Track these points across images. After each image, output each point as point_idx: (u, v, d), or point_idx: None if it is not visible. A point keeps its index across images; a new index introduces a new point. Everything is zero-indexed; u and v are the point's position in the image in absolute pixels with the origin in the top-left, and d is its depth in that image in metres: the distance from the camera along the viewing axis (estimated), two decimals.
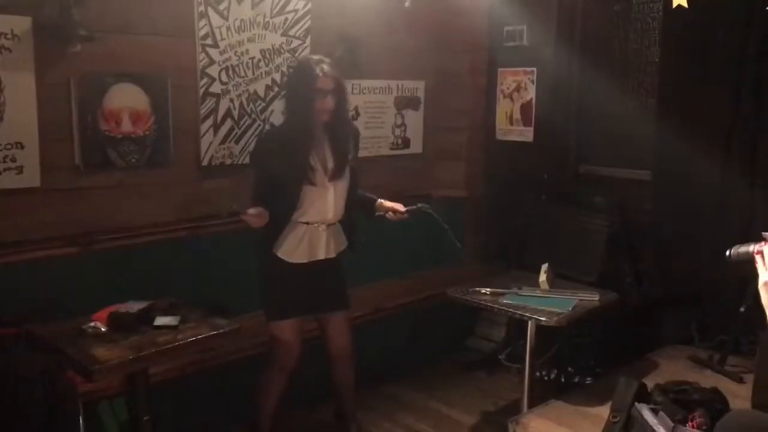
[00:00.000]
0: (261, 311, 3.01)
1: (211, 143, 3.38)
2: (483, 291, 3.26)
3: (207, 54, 3.29)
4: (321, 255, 2.91)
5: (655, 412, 2.47)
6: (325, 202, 2.87)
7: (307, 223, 2.87)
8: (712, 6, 3.38)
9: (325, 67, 2.78)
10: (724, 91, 3.48)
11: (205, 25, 3.26)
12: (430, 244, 4.28)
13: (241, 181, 3.50)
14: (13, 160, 2.77)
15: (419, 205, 3.05)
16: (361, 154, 3.27)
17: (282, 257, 2.88)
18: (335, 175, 2.87)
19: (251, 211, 2.71)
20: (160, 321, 2.54)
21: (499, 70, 4.40)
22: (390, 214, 3.05)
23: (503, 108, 4.42)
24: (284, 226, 2.85)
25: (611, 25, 4.06)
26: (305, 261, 2.89)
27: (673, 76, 3.71)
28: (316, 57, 2.86)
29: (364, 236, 3.10)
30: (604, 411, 2.62)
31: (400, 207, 3.05)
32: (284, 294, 2.92)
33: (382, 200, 3.09)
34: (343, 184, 2.92)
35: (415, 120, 4.34)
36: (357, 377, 3.18)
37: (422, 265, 4.25)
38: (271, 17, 3.50)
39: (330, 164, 2.87)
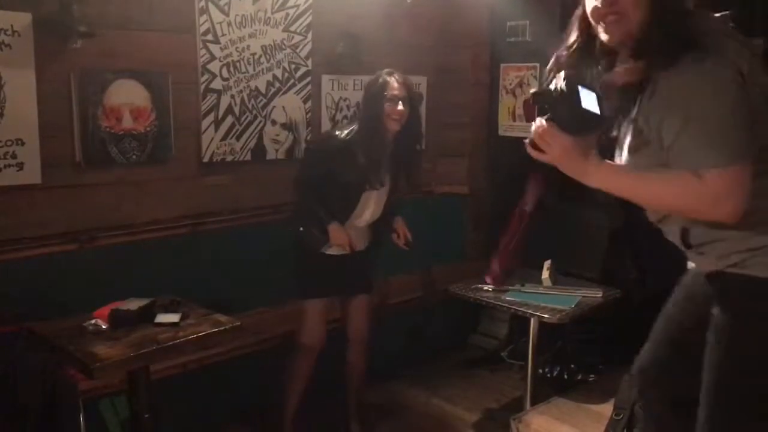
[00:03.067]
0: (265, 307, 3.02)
1: (212, 140, 3.37)
2: (485, 288, 3.26)
3: (208, 50, 3.28)
4: (359, 248, 3.09)
5: None
6: (368, 207, 3.05)
7: (352, 226, 3.05)
8: (714, 4, 3.36)
9: (397, 75, 2.93)
10: None
11: (206, 20, 3.25)
12: (430, 241, 4.28)
13: (243, 177, 3.50)
14: (14, 156, 2.76)
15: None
16: None
17: (322, 251, 3.03)
18: (385, 184, 3.06)
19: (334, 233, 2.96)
20: (161, 318, 2.54)
21: (502, 65, 4.38)
22: (395, 236, 3.21)
23: (505, 104, 4.40)
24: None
25: None
26: (340, 253, 3.03)
27: None
28: (388, 69, 3.00)
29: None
30: (607, 408, 2.60)
31: (408, 236, 3.20)
32: (318, 277, 3.07)
33: (400, 219, 3.23)
34: (385, 191, 3.10)
35: None
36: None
37: (424, 261, 4.24)
38: (273, 13, 3.48)
39: (388, 176, 3.06)
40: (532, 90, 1.68)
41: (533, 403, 3.11)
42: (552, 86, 1.58)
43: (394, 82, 2.91)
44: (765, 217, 1.58)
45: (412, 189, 3.28)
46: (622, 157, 1.68)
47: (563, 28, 4.15)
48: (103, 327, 2.45)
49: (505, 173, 4.44)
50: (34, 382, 2.40)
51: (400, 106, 2.90)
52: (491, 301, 3.19)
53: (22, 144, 2.77)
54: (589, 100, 1.54)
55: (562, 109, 1.55)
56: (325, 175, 2.98)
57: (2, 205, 2.76)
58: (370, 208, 3.09)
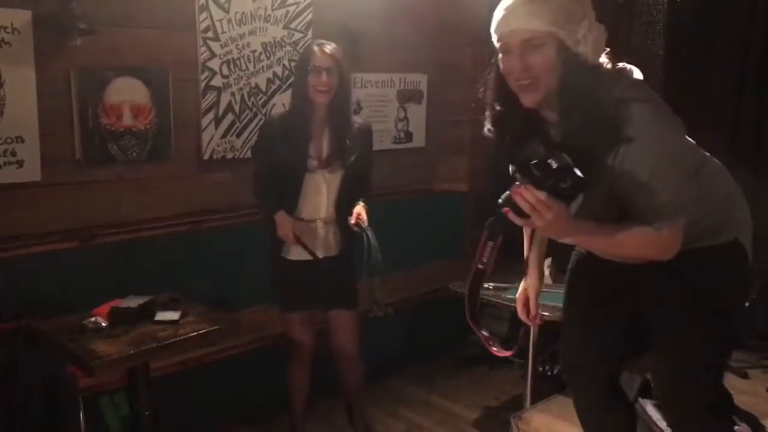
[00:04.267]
0: (264, 305, 3.00)
1: (212, 137, 3.36)
2: (485, 285, 3.25)
3: (208, 47, 3.27)
4: (319, 254, 2.85)
5: (658, 407, 2.46)
6: (318, 194, 2.82)
7: (303, 220, 2.83)
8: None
9: (327, 47, 2.74)
10: (728, 84, 3.46)
11: (206, 18, 3.24)
12: (431, 238, 4.28)
13: (243, 175, 3.49)
14: (14, 154, 2.76)
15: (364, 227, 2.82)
16: None
17: (283, 255, 2.87)
18: (327, 164, 2.80)
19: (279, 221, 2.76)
20: (160, 316, 2.54)
21: None
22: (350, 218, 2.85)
23: None
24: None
25: (615, 17, 4.03)
26: (299, 259, 2.85)
27: (677, 70, 3.69)
28: (318, 40, 2.82)
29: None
30: None
31: (362, 217, 2.81)
32: (287, 288, 2.92)
33: (361, 204, 2.88)
34: (336, 178, 2.83)
35: (417, 114, 4.32)
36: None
37: (423, 259, 4.24)
38: (273, 10, 3.48)
39: (325, 152, 2.80)
40: (524, 154, 1.64)
41: (533, 401, 3.10)
42: (544, 156, 1.57)
43: (318, 51, 2.72)
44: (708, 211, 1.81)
45: (363, 184, 2.93)
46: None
47: None
48: (103, 324, 2.45)
49: (504, 171, 4.43)
50: (34, 379, 2.40)
51: (324, 77, 2.70)
52: (492, 299, 3.18)
53: (22, 141, 2.77)
54: (571, 164, 1.56)
55: (549, 173, 1.55)
56: (269, 159, 2.85)
57: (2, 203, 2.77)
58: (319, 195, 2.83)
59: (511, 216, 1.63)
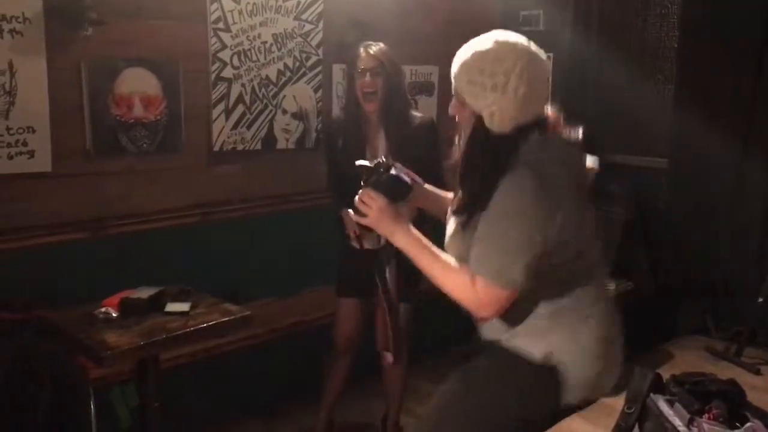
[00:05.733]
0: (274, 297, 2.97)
1: (222, 128, 3.35)
2: None
3: (219, 38, 3.26)
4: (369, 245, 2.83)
5: (670, 403, 2.44)
6: None
7: None
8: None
9: (372, 48, 2.72)
10: (743, 77, 3.42)
11: (217, 8, 3.23)
12: (440, 234, 4.26)
13: (253, 166, 3.49)
14: (25, 144, 2.76)
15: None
16: None
17: (348, 243, 2.85)
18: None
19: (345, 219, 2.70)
20: (171, 307, 2.53)
21: None
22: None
23: None
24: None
25: (629, 10, 4.00)
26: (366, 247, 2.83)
27: (691, 62, 3.66)
28: (366, 42, 2.80)
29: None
30: (618, 401, 2.59)
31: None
32: (345, 273, 2.96)
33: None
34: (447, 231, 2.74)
35: (429, 106, 4.29)
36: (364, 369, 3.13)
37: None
38: (284, 1, 3.46)
39: (380, 154, 2.70)
40: (358, 162, 1.96)
41: None
42: (375, 161, 1.91)
43: (363, 53, 2.71)
44: (536, 311, 1.80)
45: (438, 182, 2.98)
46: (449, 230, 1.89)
47: (577, 18, 4.18)
48: (113, 315, 2.45)
49: None
50: (44, 370, 2.41)
51: (368, 78, 2.69)
52: None
53: (33, 132, 2.77)
54: (401, 175, 1.89)
55: (379, 179, 1.87)
56: (330, 159, 2.91)
57: (13, 193, 2.77)
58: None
59: (355, 218, 1.90)
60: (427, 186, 2.07)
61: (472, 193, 1.76)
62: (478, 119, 1.73)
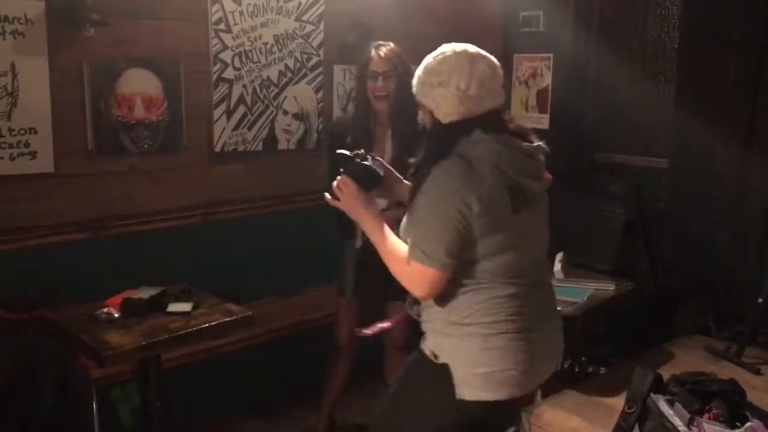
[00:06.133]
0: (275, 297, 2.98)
1: (224, 129, 3.36)
2: None
3: (220, 39, 3.27)
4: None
5: (671, 403, 2.44)
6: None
7: None
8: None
9: (383, 49, 2.70)
10: (744, 77, 3.42)
11: (218, 9, 3.24)
12: None
13: (254, 167, 3.50)
14: (27, 145, 2.77)
15: None
16: None
17: (348, 242, 2.88)
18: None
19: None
20: (172, 307, 2.55)
21: (515, 56, 4.34)
22: None
23: (519, 94, 4.37)
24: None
25: (630, 10, 4.00)
26: (362, 248, 2.83)
27: (692, 63, 3.65)
28: (381, 42, 2.77)
29: None
30: (618, 401, 2.59)
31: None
32: (346, 273, 2.95)
33: None
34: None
35: None
36: (363, 367, 3.15)
37: None
38: (285, 2, 3.47)
39: (388, 155, 2.71)
40: (339, 150, 2.16)
41: (544, 395, 3.09)
42: (353, 152, 2.12)
43: (375, 55, 2.69)
44: (459, 319, 1.95)
45: None
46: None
47: (578, 19, 4.19)
48: (115, 315, 2.46)
49: None
50: (46, 370, 2.42)
51: (380, 82, 2.68)
52: None
53: (35, 133, 2.78)
54: (374, 167, 2.11)
55: (354, 168, 2.07)
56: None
57: (15, 194, 2.78)
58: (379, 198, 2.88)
59: (331, 202, 2.10)
60: (406, 181, 2.18)
61: (416, 181, 1.94)
62: (431, 115, 1.96)
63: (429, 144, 1.96)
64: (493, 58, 1.97)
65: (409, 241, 1.94)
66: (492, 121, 1.92)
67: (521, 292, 1.95)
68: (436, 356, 1.99)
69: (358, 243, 2.85)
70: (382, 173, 2.13)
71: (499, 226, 1.87)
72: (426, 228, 1.88)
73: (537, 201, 1.97)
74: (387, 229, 2.03)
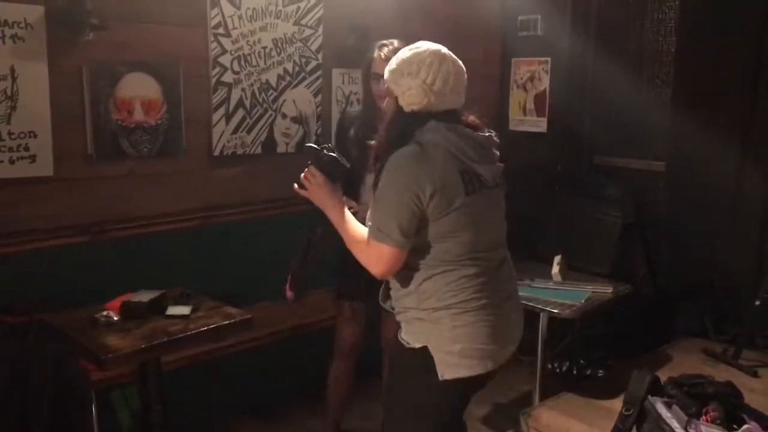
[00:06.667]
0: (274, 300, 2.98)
1: (222, 133, 3.37)
2: None
3: (219, 43, 3.28)
4: None
5: (668, 405, 2.45)
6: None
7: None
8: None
9: (384, 50, 2.67)
10: (741, 80, 3.44)
11: (218, 14, 3.25)
12: None
13: (253, 170, 3.50)
14: (26, 148, 2.77)
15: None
16: None
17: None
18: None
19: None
20: (172, 310, 2.55)
21: (513, 59, 4.36)
22: None
23: (516, 98, 4.39)
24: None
25: (627, 14, 4.02)
26: None
27: (689, 66, 3.67)
28: (386, 40, 2.74)
29: None
30: (616, 404, 2.61)
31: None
32: (343, 275, 2.92)
33: None
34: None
35: None
36: (363, 371, 3.12)
37: None
38: (284, 6, 3.48)
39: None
40: (308, 143, 2.39)
41: (542, 397, 3.10)
42: (322, 145, 2.22)
43: (377, 58, 2.66)
44: (430, 304, 2.06)
45: None
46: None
47: (575, 23, 4.22)
48: (115, 318, 2.47)
49: (515, 168, 4.43)
50: (46, 373, 2.42)
51: (383, 85, 2.64)
52: None
53: (35, 136, 2.79)
54: (341, 159, 2.20)
55: (322, 159, 2.17)
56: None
57: (15, 197, 2.78)
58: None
59: (295, 188, 2.21)
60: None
61: (379, 165, 2.06)
62: (395, 102, 2.08)
63: (388, 131, 2.10)
64: (461, 63, 2.13)
65: (369, 217, 2.08)
66: (448, 116, 2.07)
67: (483, 271, 2.07)
68: (413, 343, 2.09)
69: None
70: (348, 166, 2.23)
71: (452, 205, 1.99)
72: (383, 208, 2.01)
73: (492, 187, 2.10)
74: (349, 216, 2.16)
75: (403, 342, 2.13)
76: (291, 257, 2.62)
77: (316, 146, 2.23)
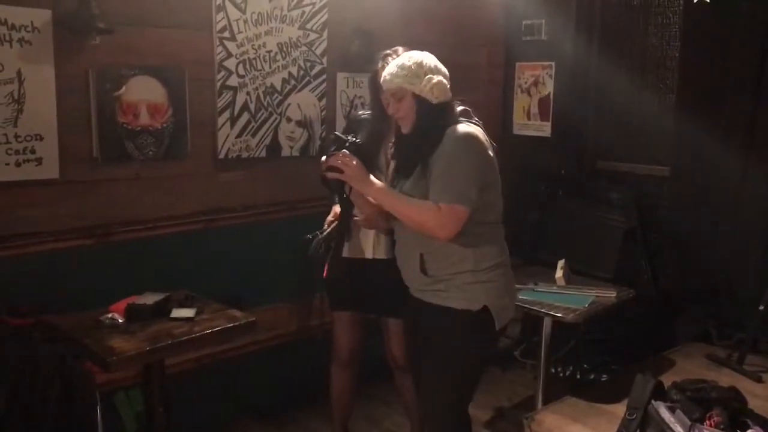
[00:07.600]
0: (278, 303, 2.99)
1: (227, 136, 3.38)
2: None
3: (224, 47, 3.30)
4: (367, 254, 2.77)
5: (672, 410, 2.45)
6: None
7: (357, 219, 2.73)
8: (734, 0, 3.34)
9: (389, 60, 2.54)
10: (744, 85, 3.44)
11: (223, 18, 3.27)
12: None
13: (258, 174, 3.52)
14: (33, 151, 2.79)
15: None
16: None
17: (336, 251, 2.82)
18: (396, 171, 2.56)
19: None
20: (176, 313, 2.56)
21: (517, 64, 4.37)
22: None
23: (520, 102, 4.40)
24: (347, 220, 2.75)
25: (631, 19, 4.02)
26: (351, 257, 2.79)
27: (693, 71, 3.68)
28: (390, 49, 2.67)
29: None
30: (619, 408, 2.61)
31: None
32: (336, 285, 2.88)
33: None
34: (401, 185, 2.45)
35: None
36: (367, 375, 3.13)
37: None
38: (289, 10, 3.49)
39: (392, 165, 2.61)
40: (335, 133, 2.52)
41: (545, 402, 3.10)
42: (347, 136, 2.44)
43: (381, 69, 2.51)
44: (486, 264, 2.35)
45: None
46: (400, 180, 2.41)
47: (579, 27, 4.25)
48: (119, 321, 2.48)
49: (518, 172, 4.44)
50: (51, 375, 2.43)
51: (392, 87, 2.45)
52: None
53: (41, 139, 2.80)
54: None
55: (352, 145, 2.37)
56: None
57: (21, 200, 2.79)
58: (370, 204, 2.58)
59: (331, 175, 2.36)
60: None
61: (426, 146, 2.27)
62: (419, 98, 2.29)
63: (422, 124, 2.31)
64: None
65: (437, 187, 2.22)
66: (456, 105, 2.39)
67: (504, 244, 2.44)
68: (470, 307, 2.30)
69: (346, 252, 2.80)
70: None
71: (497, 176, 2.34)
72: (462, 172, 2.22)
73: None
74: (389, 189, 2.35)
75: (456, 310, 2.31)
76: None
77: (342, 135, 2.42)
